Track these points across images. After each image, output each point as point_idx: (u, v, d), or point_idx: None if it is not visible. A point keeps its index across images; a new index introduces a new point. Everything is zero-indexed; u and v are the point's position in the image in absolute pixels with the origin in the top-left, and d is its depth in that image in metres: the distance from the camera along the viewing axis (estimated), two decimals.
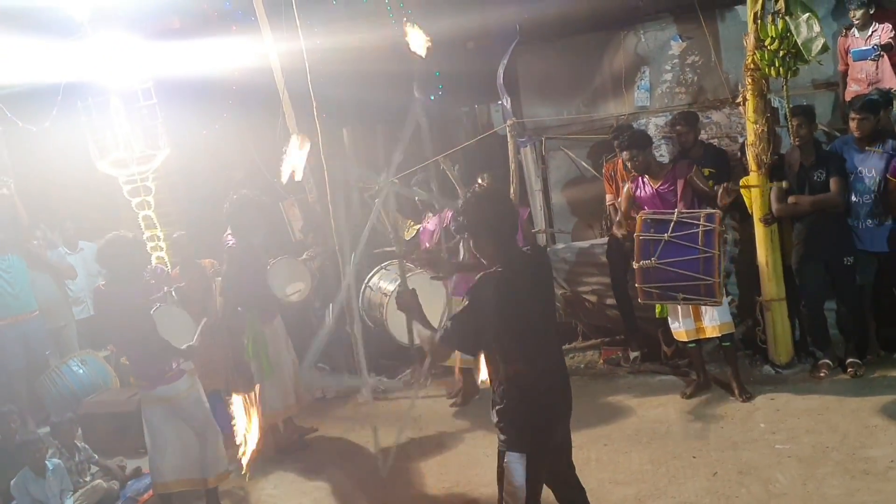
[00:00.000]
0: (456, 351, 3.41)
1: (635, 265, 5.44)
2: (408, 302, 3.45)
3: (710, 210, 5.39)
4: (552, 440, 3.38)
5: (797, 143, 5.58)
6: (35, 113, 6.99)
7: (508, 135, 7.24)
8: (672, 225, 5.33)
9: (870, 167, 5.53)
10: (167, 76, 7.18)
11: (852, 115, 5.57)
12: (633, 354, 6.61)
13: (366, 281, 6.76)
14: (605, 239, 6.92)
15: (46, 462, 5.41)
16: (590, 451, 5.13)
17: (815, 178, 5.57)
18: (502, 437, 3.34)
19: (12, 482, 5.33)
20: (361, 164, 7.38)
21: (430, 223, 6.63)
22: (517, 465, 3.28)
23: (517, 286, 3.22)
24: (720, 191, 5.39)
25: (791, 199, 5.63)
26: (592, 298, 7.06)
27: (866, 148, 5.54)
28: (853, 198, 5.59)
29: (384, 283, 6.68)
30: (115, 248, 4.76)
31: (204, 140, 8.30)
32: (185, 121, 7.74)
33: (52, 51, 6.42)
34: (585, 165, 7.38)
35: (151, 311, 4.99)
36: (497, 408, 3.33)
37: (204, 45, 7.05)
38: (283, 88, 6.60)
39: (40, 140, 7.43)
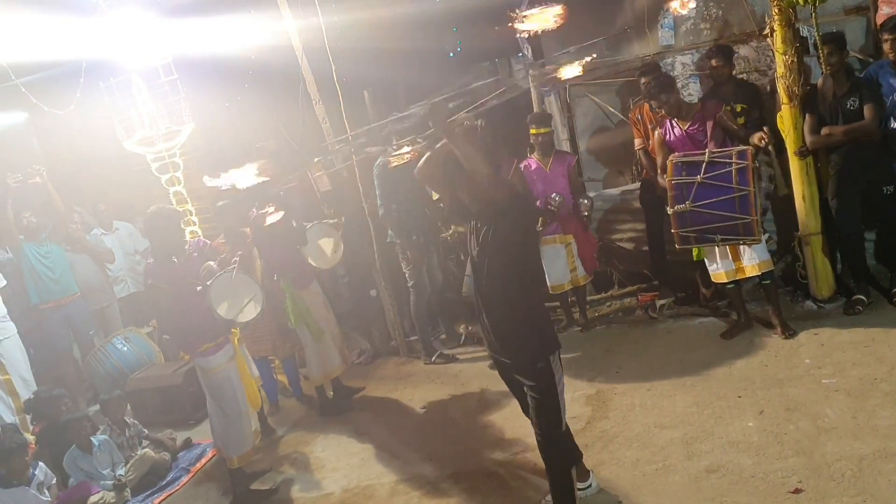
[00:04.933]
0: None
1: (670, 211, 5.37)
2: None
3: (741, 147, 5.28)
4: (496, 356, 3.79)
5: (828, 71, 5.42)
6: (59, 97, 7.03)
7: (531, 85, 7.12)
8: (704, 166, 5.24)
9: None
10: (185, 51, 7.17)
11: (885, 36, 5.38)
12: (659, 303, 6.56)
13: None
14: (637, 185, 6.85)
15: (92, 438, 5.55)
16: (633, 397, 5.13)
17: (849, 106, 5.41)
18: (540, 346, 3.58)
19: (64, 460, 5.49)
20: (383, 126, 7.32)
21: None
22: (557, 362, 3.63)
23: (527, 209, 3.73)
24: (755, 137, 5.28)
25: (824, 130, 5.48)
26: (627, 246, 7.01)
27: None
28: (892, 124, 5.43)
29: None
30: (158, 220, 4.90)
31: (227, 112, 8.30)
32: (206, 95, 7.74)
33: (71, 31, 6.43)
34: (612, 110, 7.26)
35: (209, 282, 5.05)
36: (525, 327, 3.58)
37: (220, 17, 7.00)
38: (302, 54, 6.54)
39: (66, 124, 7.49)
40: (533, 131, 6.28)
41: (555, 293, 6.45)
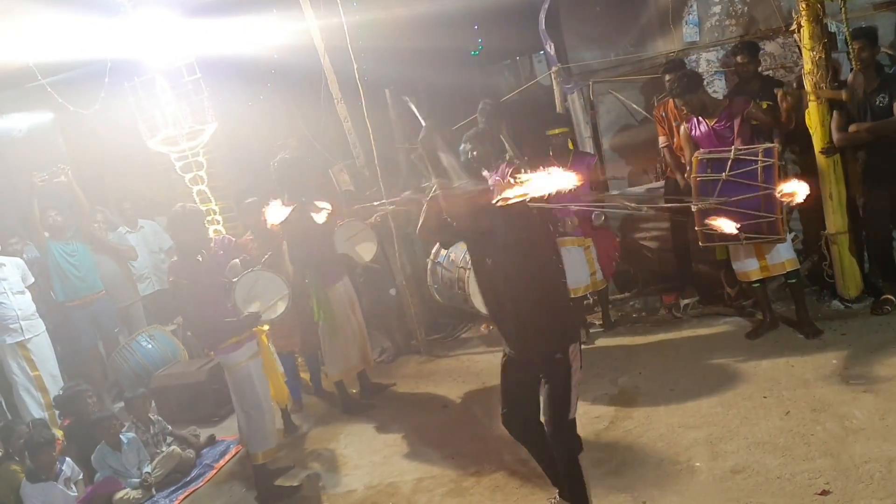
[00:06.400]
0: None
1: (693, 208, 5.32)
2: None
3: (768, 145, 5.21)
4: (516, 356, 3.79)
5: (858, 67, 5.34)
6: (85, 97, 7.10)
7: (554, 82, 7.08)
8: (729, 163, 5.18)
9: None
10: (208, 51, 7.21)
11: None
12: (683, 302, 6.50)
13: (432, 258, 6.65)
14: (661, 183, 6.79)
15: (121, 436, 5.61)
16: (657, 397, 5.10)
17: (878, 103, 5.33)
18: (560, 337, 3.65)
19: (93, 456, 5.55)
20: (405, 125, 7.32)
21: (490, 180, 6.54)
22: (577, 353, 3.64)
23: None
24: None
25: (852, 128, 5.41)
26: (651, 244, 6.96)
27: None
28: None
29: (455, 253, 6.48)
30: (180, 219, 4.95)
31: (249, 111, 8.35)
32: (229, 94, 7.78)
33: (95, 31, 6.50)
34: (636, 108, 7.19)
35: (235, 279, 5.11)
36: (545, 319, 3.64)
37: (243, 17, 7.04)
38: (324, 53, 6.56)
39: (91, 123, 7.56)
40: (548, 132, 6.24)
41: (574, 296, 6.40)
